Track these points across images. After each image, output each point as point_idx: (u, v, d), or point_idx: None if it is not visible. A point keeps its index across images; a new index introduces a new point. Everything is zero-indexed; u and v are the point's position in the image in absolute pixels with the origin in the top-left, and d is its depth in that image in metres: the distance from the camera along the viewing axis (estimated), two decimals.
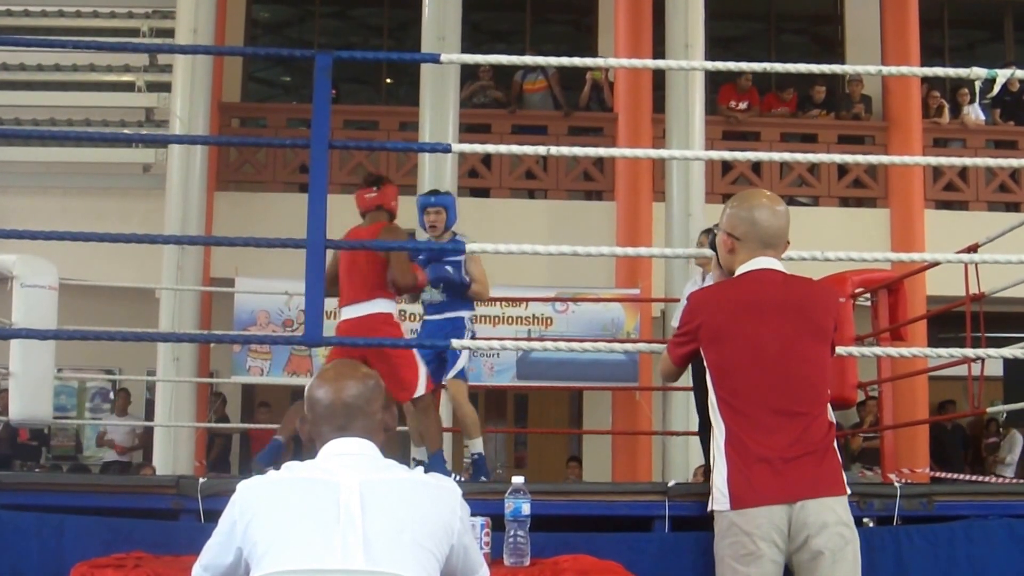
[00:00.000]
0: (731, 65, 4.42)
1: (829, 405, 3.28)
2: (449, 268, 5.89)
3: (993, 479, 10.68)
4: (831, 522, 3.08)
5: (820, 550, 3.06)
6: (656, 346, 6.41)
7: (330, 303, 4.86)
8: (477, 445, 6.05)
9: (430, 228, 6.00)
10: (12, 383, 5.85)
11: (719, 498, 3.16)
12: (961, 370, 6.86)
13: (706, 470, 4.49)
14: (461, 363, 5.92)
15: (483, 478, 5.94)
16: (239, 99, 13.70)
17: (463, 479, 5.90)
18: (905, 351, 5.43)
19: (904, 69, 5.09)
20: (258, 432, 11.62)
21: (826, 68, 4.38)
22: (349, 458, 2.40)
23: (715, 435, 3.24)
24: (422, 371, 5.50)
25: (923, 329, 10.53)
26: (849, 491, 3.21)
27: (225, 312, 11.29)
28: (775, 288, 3.26)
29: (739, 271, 3.31)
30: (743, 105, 13.18)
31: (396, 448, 5.05)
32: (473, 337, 6.10)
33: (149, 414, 12.24)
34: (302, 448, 2.58)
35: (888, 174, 12.71)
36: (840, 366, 6.11)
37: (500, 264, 8.82)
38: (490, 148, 4.39)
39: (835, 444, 3.24)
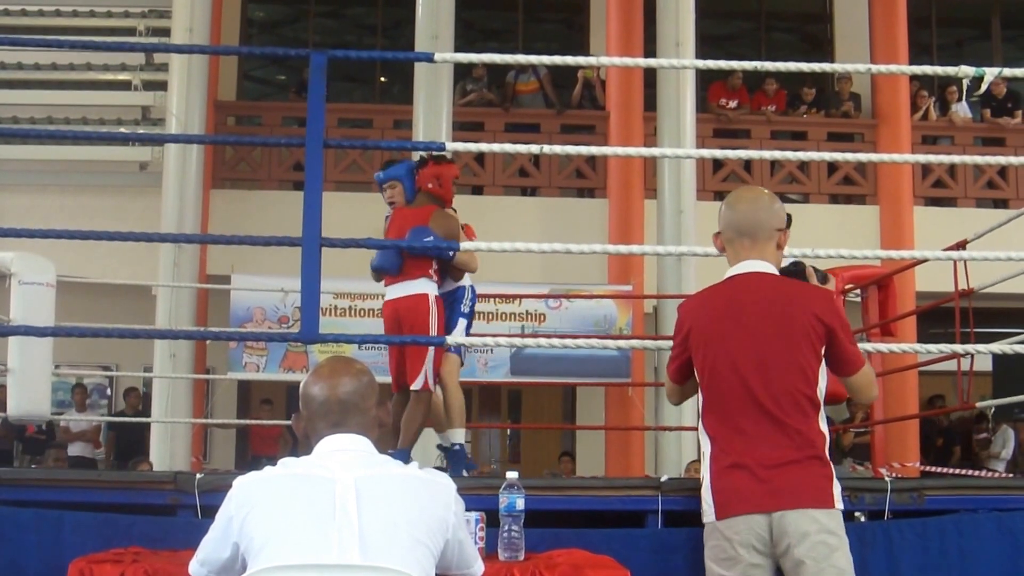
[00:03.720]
0: (722, 63, 4.43)
1: (821, 414, 3.14)
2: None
3: (985, 474, 10.72)
4: (812, 531, 2.98)
5: (801, 559, 2.97)
6: (648, 342, 6.50)
7: (324, 300, 4.82)
8: (458, 435, 5.46)
9: (389, 204, 5.51)
10: (10, 379, 5.85)
11: (706, 509, 3.12)
12: (951, 365, 6.89)
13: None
14: (457, 333, 5.46)
15: (465, 472, 5.32)
16: (235, 97, 13.72)
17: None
18: (895, 347, 5.45)
19: (893, 67, 5.15)
20: (258, 428, 11.67)
21: (816, 66, 4.38)
22: (344, 454, 2.41)
23: (702, 445, 3.17)
24: (427, 368, 5.22)
25: (913, 325, 10.56)
26: (840, 505, 3.08)
27: (221, 309, 11.32)
28: (761, 293, 3.14)
29: (727, 274, 3.21)
30: (733, 103, 13.23)
31: (391, 444, 5.07)
32: (472, 306, 5.65)
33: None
34: (298, 445, 2.61)
35: (877, 171, 12.76)
36: None
37: (494, 261, 8.85)
38: (483, 147, 4.44)
39: (825, 453, 3.09)
